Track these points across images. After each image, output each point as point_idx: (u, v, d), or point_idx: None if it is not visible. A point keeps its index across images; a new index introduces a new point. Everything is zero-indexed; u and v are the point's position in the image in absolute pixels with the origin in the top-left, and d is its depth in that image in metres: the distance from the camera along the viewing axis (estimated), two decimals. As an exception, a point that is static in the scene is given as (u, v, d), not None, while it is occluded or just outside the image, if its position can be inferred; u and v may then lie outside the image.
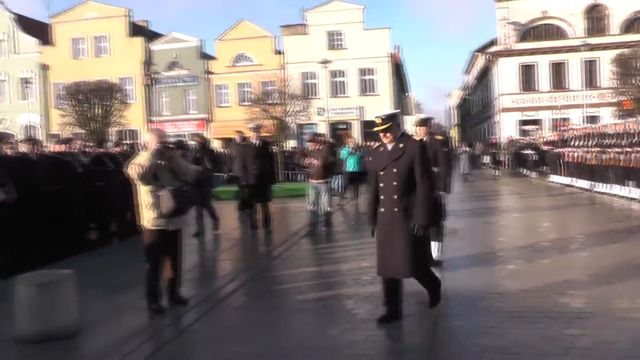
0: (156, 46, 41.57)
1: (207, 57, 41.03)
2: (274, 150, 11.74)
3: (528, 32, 40.71)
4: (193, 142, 16.40)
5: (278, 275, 7.83)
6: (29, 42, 43.68)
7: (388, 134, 5.26)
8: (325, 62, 35.28)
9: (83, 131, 32.43)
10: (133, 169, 5.78)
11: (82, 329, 5.37)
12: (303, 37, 39.71)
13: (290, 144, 34.76)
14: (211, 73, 40.39)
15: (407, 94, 55.65)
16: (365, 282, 6.79)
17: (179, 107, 41.14)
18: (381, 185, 5.27)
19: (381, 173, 5.26)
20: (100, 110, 33.26)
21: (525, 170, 29.08)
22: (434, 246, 7.49)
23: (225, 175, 14.31)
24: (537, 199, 16.65)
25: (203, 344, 5.02)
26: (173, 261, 6.08)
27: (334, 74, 39.03)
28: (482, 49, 49.20)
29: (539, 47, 39.44)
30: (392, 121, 5.28)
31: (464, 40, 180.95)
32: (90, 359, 4.90)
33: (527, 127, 39.62)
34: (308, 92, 38.39)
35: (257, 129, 11.58)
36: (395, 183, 5.18)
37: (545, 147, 25.71)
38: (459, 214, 12.31)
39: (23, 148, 10.39)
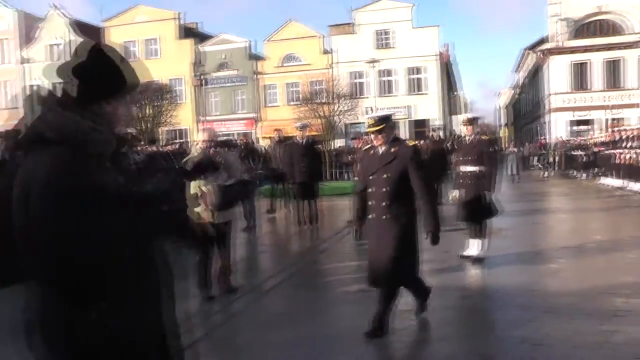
0: (206, 47, 42.42)
1: (256, 57, 41.65)
2: (321, 149, 11.98)
3: (581, 28, 39.68)
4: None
5: (323, 268, 8.13)
6: (83, 46, 45.16)
7: (380, 136, 5.04)
8: (373, 61, 35.48)
9: (133, 130, 33.46)
10: (187, 167, 6.18)
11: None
12: (351, 37, 39.78)
13: (338, 143, 35.04)
14: (260, 73, 41.00)
15: (456, 93, 55.22)
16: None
17: (228, 107, 41.90)
18: (370, 190, 5.05)
19: (371, 177, 5.06)
20: (150, 111, 34.24)
21: (575, 172, 28.56)
22: (476, 244, 7.65)
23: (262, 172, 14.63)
24: (586, 201, 16.44)
25: (251, 329, 5.34)
26: (222, 252, 6.44)
27: (382, 73, 38.96)
28: (532, 47, 48.27)
29: (592, 44, 38.29)
30: (386, 123, 5.07)
31: (515, 37, 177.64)
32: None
33: (578, 128, 38.66)
34: (356, 91, 38.58)
35: (303, 127, 11.89)
36: (385, 189, 4.95)
37: (596, 148, 25.23)
38: (506, 214, 12.30)
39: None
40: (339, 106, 32.13)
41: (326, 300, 6.24)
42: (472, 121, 7.93)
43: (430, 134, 16.92)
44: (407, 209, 4.99)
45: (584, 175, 26.25)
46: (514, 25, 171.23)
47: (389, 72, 39.28)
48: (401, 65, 39.05)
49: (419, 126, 37.97)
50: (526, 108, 58.64)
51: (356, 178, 10.92)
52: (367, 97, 38.39)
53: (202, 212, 6.23)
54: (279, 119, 38.40)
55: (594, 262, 7.73)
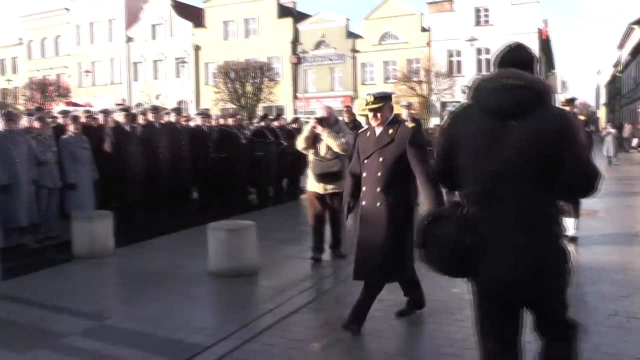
0: (304, 26, 43.41)
1: (353, 35, 42.21)
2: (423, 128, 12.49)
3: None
4: (341, 118, 17.43)
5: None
6: (184, 25, 47.61)
7: (378, 115, 4.65)
8: (472, 39, 35.05)
9: (234, 107, 35.10)
10: (298, 141, 7.11)
11: (259, 269, 6.72)
12: (449, 14, 39.45)
13: (433, 122, 35.24)
14: (357, 51, 41.56)
15: (553, 71, 53.61)
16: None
17: (325, 85, 42.81)
18: (364, 175, 4.70)
19: (365, 161, 4.69)
20: (251, 88, 35.68)
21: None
22: (570, 222, 8.04)
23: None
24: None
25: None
26: (332, 221, 7.20)
27: (479, 51, 38.46)
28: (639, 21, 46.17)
29: None
30: (385, 102, 4.72)
31: (620, 11, 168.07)
32: (266, 292, 6.09)
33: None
34: (453, 69, 38.43)
35: (408, 106, 12.37)
36: (379, 174, 4.59)
37: None
38: (600, 196, 12.51)
39: (196, 121, 12.26)
40: (436, 85, 32.28)
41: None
42: (570, 102, 8.27)
43: None
44: (403, 197, 4.65)
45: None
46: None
47: (486, 50, 38.32)
48: (499, 43, 37.99)
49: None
50: (627, 87, 55.97)
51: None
52: (463, 76, 38.08)
53: (313, 183, 7.08)
54: (375, 97, 39.00)
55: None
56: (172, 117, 11.37)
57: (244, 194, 12.78)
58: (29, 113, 10.08)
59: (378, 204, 4.58)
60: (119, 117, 10.14)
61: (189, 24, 47.26)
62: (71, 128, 9.31)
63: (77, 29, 52.75)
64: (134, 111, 10.77)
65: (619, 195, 13.14)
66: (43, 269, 7.37)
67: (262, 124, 13.34)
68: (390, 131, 4.62)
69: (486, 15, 38.98)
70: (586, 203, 8.25)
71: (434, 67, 34.11)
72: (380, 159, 4.58)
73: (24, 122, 9.01)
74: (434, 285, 5.29)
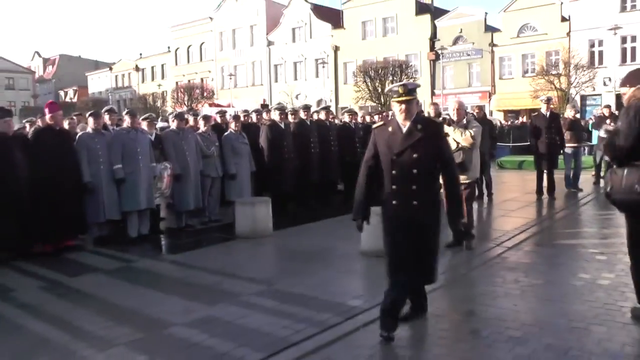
0: (442, 22, 43.29)
1: (491, 29, 41.54)
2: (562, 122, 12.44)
3: None
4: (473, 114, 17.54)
5: (559, 232, 9.05)
6: (323, 27, 49.18)
7: (406, 109, 4.50)
8: (615, 27, 32.85)
9: (373, 104, 35.94)
10: None
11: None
12: (591, 1, 36.71)
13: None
14: (495, 45, 40.85)
15: None
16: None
17: (462, 80, 42.50)
18: (394, 172, 4.53)
19: (394, 158, 4.51)
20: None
21: None
22: None
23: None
24: None
25: (499, 274, 6.62)
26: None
27: (624, 39, 35.63)
28: None
29: None
30: (414, 95, 4.56)
31: None
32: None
33: None
34: (594, 60, 36.49)
35: (548, 100, 12.50)
36: (415, 171, 4.47)
37: None
38: None
39: (344, 118, 13.00)
40: (576, 77, 31.10)
41: (565, 256, 7.26)
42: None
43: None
44: (435, 195, 4.61)
45: None
46: None
47: (632, 39, 35.63)
48: (647, 29, 35.34)
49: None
50: None
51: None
52: (605, 67, 35.91)
53: None
54: (513, 92, 38.26)
55: None
56: (321, 115, 12.27)
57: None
58: (194, 113, 11.35)
59: (415, 202, 4.47)
60: (275, 115, 11.21)
61: (328, 26, 48.83)
62: (232, 126, 10.49)
63: (220, 35, 56.35)
64: (288, 110, 11.73)
65: None
66: (210, 245, 8.61)
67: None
68: (419, 126, 4.51)
69: (633, 0, 35.76)
70: None
71: (573, 59, 32.70)
72: (415, 155, 4.45)
73: (190, 121, 10.31)
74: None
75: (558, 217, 10.39)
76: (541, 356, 4.14)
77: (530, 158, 18.54)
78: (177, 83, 54.85)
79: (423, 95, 41.72)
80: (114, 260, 7.79)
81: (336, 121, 13.69)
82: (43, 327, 5.19)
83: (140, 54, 67.26)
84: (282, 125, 11.07)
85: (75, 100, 69.06)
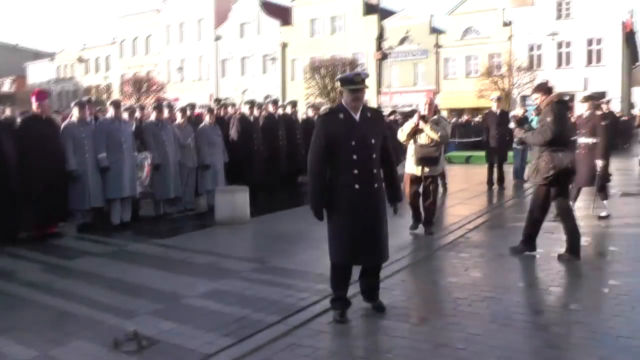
0: (389, 22, 44.48)
1: (436, 31, 42.95)
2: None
3: None
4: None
5: (512, 216, 9.85)
6: (271, 23, 49.77)
7: (361, 97, 4.74)
8: (553, 33, 34.93)
9: (323, 100, 36.64)
10: (400, 135, 8.21)
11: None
12: (530, 8, 39.26)
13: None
14: (440, 47, 42.28)
15: (637, 64, 52.34)
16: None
17: (408, 79, 43.76)
18: (355, 157, 4.62)
19: (353, 143, 4.62)
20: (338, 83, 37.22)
21: None
22: (604, 204, 9.16)
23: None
24: None
25: (447, 267, 7.36)
26: (425, 199, 8.21)
27: (559, 44, 38.13)
28: None
29: None
30: (365, 84, 4.81)
31: None
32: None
33: None
34: (533, 63, 38.41)
35: (498, 99, 13.55)
36: (374, 155, 4.71)
37: None
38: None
39: (307, 113, 13.57)
40: (518, 79, 32.81)
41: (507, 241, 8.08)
42: (587, 99, 9.30)
43: (602, 107, 17.58)
44: (381, 177, 4.85)
45: None
46: None
47: (567, 44, 38.25)
48: (579, 36, 37.75)
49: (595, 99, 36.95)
50: None
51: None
52: (543, 70, 37.74)
53: (412, 167, 8.13)
54: (457, 91, 39.76)
55: None
56: (288, 110, 12.85)
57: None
58: (169, 104, 11.72)
59: (375, 185, 4.71)
60: (245, 108, 11.72)
61: (276, 22, 49.37)
62: (207, 118, 10.95)
63: (167, 28, 56.04)
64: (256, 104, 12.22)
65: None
66: (194, 230, 9.10)
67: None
68: (369, 114, 4.78)
69: (567, 9, 38.37)
70: None
71: (515, 62, 34.46)
72: (373, 141, 4.67)
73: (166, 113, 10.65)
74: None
75: (509, 204, 11.33)
76: (513, 310, 4.91)
77: (476, 153, 19.83)
78: (122, 76, 54.07)
79: (369, 93, 42.66)
80: (104, 245, 8.13)
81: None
82: (59, 302, 5.55)
83: (84, 45, 65.67)
84: (252, 119, 11.59)
85: (13, 90, 66.97)
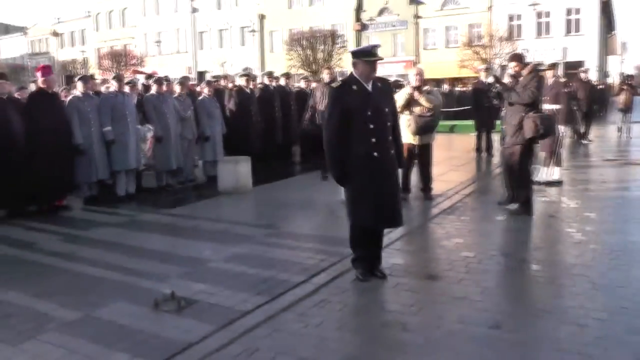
0: (368, -7, 44.49)
1: (415, 2, 43.02)
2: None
3: None
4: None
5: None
6: (249, -6, 49.27)
7: (376, 68, 4.95)
8: (534, 4, 35.27)
9: (306, 73, 36.73)
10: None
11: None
12: (511, -22, 39.62)
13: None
14: (419, 17, 42.44)
15: (613, 33, 53.19)
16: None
17: (387, 50, 43.77)
18: (371, 126, 4.83)
19: (369, 113, 4.83)
20: (323, 54, 37.33)
21: None
22: (556, 170, 9.55)
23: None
24: None
25: (452, 230, 7.78)
26: (424, 168, 8.61)
27: (539, 14, 38.52)
28: None
29: None
30: None
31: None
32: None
33: None
34: (513, 33, 38.84)
35: (487, 69, 13.88)
36: (389, 124, 4.97)
37: None
38: None
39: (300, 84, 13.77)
40: (499, 49, 33.22)
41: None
42: (552, 66, 9.96)
43: (579, 75, 18.16)
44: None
45: None
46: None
47: (547, 14, 38.70)
48: (559, 6, 38.34)
49: (572, 68, 37.74)
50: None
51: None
52: (523, 39, 38.37)
53: (407, 136, 8.27)
54: (437, 62, 39.97)
55: None
56: (282, 81, 13.06)
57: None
58: (166, 78, 11.83)
59: (392, 152, 4.97)
60: (241, 80, 11.92)
61: (255, -7, 48.98)
62: (205, 91, 11.15)
63: (143, 1, 55.23)
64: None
65: None
66: (200, 200, 9.37)
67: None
68: (379, 84, 4.98)
69: None
70: None
71: (497, 32, 34.83)
72: (387, 109, 4.92)
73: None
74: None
75: (499, 170, 11.69)
76: (520, 266, 5.40)
77: (460, 122, 20.23)
78: (98, 49, 53.36)
79: (348, 64, 42.85)
80: (114, 215, 8.38)
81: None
82: (88, 269, 5.80)
83: (58, 19, 64.50)
84: (248, 91, 11.81)
85: (-16, 66, 65.63)
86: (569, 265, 5.31)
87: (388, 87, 5.23)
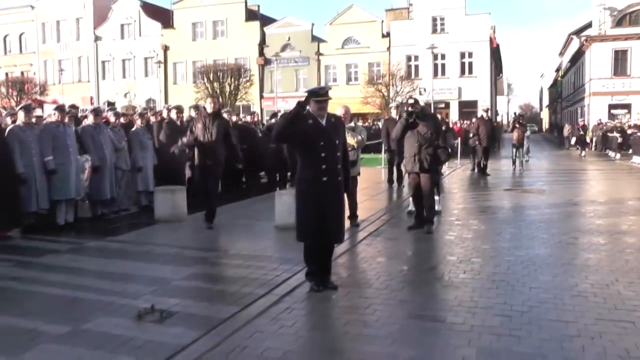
0: (270, 29, 45.91)
1: (317, 39, 44.97)
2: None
3: (624, 17, 41.95)
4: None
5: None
6: (152, 25, 49.63)
7: (326, 106, 5.70)
8: (432, 47, 37.75)
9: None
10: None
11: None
12: (408, 22, 42.86)
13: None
14: (321, 54, 44.31)
15: (501, 75, 57.83)
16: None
17: (290, 85, 45.34)
18: (323, 155, 5.60)
19: (322, 144, 5.58)
20: (230, 88, 38.16)
21: (609, 152, 31.18)
22: (437, 199, 10.40)
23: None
24: (611, 173, 19.62)
25: (375, 253, 8.77)
26: (349, 196, 8.98)
27: (435, 56, 41.24)
28: (577, 32, 50.70)
29: (633, 32, 40.70)
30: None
31: (562, 22, 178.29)
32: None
33: (616, 111, 41.21)
34: (411, 73, 41.63)
35: (397, 107, 15.20)
36: (338, 153, 5.73)
37: (629, 131, 27.99)
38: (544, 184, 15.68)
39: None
40: (401, 87, 35.48)
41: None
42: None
43: (481, 115, 20.49)
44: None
45: (618, 155, 28.85)
46: (563, 11, 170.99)
47: (442, 56, 42.05)
48: (453, 49, 41.77)
49: (467, 106, 40.92)
50: (568, 91, 60.76)
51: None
52: (421, 79, 41.25)
53: None
54: (339, 97, 41.59)
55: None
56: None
57: (257, 178, 15.33)
58: (111, 108, 12.16)
59: (339, 178, 5.75)
60: (172, 113, 12.46)
61: (157, 25, 49.25)
62: (138, 122, 11.62)
63: (42, 26, 53.76)
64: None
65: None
66: (141, 228, 9.79)
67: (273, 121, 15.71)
68: (332, 120, 5.77)
69: (442, 24, 42.67)
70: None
71: (398, 72, 37.19)
72: (337, 141, 5.69)
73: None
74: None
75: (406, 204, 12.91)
76: (444, 275, 6.31)
77: (366, 155, 21.61)
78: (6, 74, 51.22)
79: (254, 97, 43.93)
80: (60, 243, 8.53)
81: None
82: (58, 291, 6.00)
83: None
84: (179, 123, 12.38)
85: None
86: (490, 273, 6.40)
87: (339, 122, 6.02)
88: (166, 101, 46.84)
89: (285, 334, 4.75)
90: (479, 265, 6.82)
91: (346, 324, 4.94)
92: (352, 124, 9.20)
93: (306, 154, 5.72)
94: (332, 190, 5.69)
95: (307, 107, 5.79)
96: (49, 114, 10.20)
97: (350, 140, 8.56)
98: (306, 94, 5.86)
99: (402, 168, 11.29)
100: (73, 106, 13.15)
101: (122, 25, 50.64)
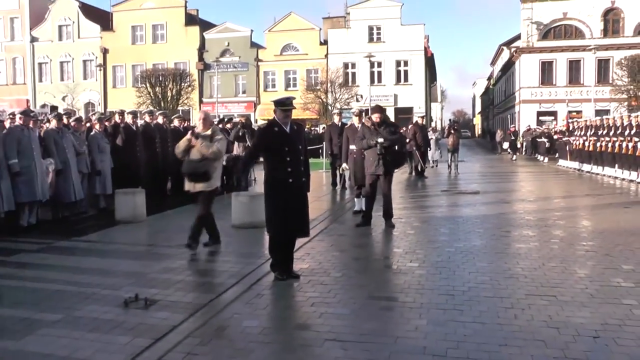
0: (210, 35, 46.29)
1: (256, 46, 45.61)
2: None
3: (549, 31, 44.71)
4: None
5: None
6: (91, 27, 49.08)
7: (290, 115, 6.44)
8: (369, 56, 39.06)
9: (156, 109, 37.38)
10: (177, 150, 8.14)
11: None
12: (345, 30, 44.24)
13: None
14: (260, 60, 44.98)
15: (435, 83, 59.94)
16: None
17: (229, 90, 45.77)
18: (289, 159, 6.31)
19: (286, 149, 6.31)
20: (172, 92, 38.32)
21: (538, 156, 33.33)
22: (361, 201, 11.10)
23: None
24: (540, 175, 21.12)
25: (329, 247, 9.57)
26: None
27: (372, 64, 42.82)
28: (507, 43, 53.30)
29: (558, 45, 43.61)
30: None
31: (493, 33, 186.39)
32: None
33: (544, 118, 43.98)
34: (349, 80, 42.87)
35: (340, 113, 16.04)
36: (302, 157, 6.43)
37: (555, 136, 30.02)
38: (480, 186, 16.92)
39: (174, 123, 14.93)
40: (340, 94, 36.52)
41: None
42: (359, 113, 11.94)
43: (416, 120, 21.80)
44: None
45: (546, 158, 31.00)
46: (494, 23, 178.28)
47: (379, 64, 43.59)
48: (389, 58, 43.33)
49: (403, 113, 42.45)
50: (499, 98, 63.63)
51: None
52: (358, 86, 42.68)
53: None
54: (279, 103, 42.58)
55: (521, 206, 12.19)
56: (159, 120, 14.15)
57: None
58: (67, 113, 12.42)
59: (303, 179, 6.50)
60: (128, 118, 12.92)
61: (96, 27, 48.71)
62: (97, 127, 12.04)
63: (-30, 24, 52.12)
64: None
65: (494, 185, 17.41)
66: (104, 228, 10.21)
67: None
68: (295, 127, 6.52)
69: (378, 33, 44.35)
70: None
71: (338, 79, 38.28)
72: (300, 147, 6.41)
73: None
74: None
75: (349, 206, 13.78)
76: (394, 263, 7.14)
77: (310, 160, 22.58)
78: None
79: (195, 102, 44.11)
80: (27, 244, 8.84)
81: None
82: (39, 285, 6.43)
83: None
84: (134, 127, 12.85)
85: None
86: (434, 262, 7.31)
87: (302, 129, 6.81)
88: (105, 105, 46.50)
89: (261, 314, 5.46)
90: (423, 255, 7.71)
91: (312, 305, 5.66)
92: (209, 131, 7.93)
93: (273, 158, 6.42)
94: (297, 190, 6.43)
95: (274, 116, 6.51)
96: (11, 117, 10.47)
97: (203, 150, 7.72)
98: (273, 103, 6.59)
99: (344, 172, 12.93)
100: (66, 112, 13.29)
101: (60, 27, 49.82)
